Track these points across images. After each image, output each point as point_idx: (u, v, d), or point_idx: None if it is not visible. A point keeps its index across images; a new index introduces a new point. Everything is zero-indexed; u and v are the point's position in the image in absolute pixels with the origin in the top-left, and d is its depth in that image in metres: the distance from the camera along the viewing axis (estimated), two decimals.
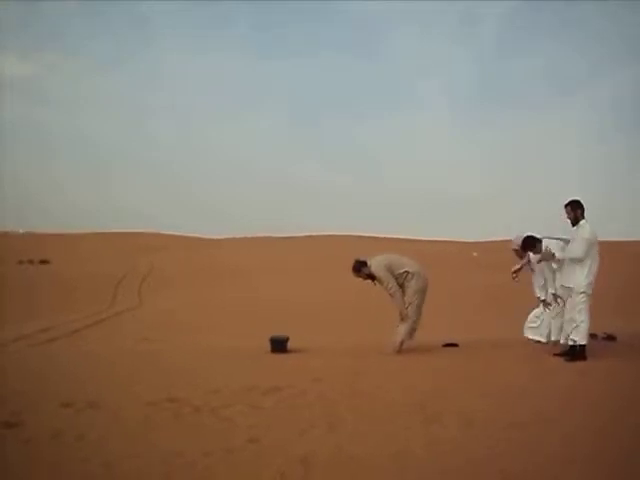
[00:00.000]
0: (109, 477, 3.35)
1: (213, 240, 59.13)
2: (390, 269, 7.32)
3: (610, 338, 7.81)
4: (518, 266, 7.56)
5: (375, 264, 7.39)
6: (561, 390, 5.33)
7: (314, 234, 60.73)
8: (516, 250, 7.52)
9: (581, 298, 6.45)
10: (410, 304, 7.30)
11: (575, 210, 6.69)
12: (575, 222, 6.69)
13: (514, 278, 7.59)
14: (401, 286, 7.34)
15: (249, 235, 59.33)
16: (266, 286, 26.63)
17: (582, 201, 6.76)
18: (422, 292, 7.40)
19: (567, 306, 6.62)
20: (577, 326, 6.41)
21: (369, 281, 7.52)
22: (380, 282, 7.37)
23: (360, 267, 7.46)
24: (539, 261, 7.05)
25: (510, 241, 7.69)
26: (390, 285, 7.26)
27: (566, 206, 6.74)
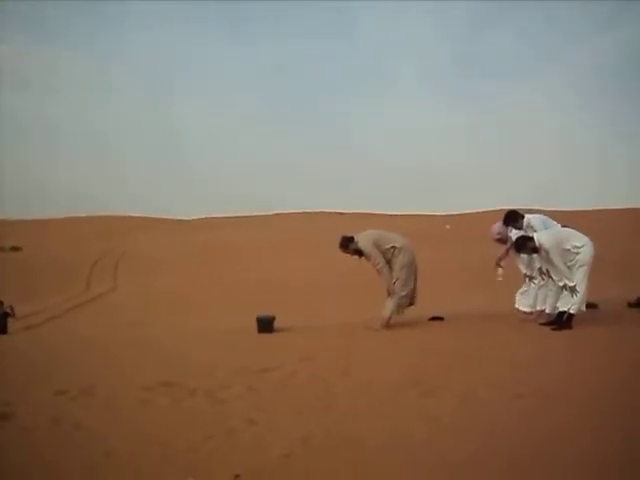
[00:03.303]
0: (111, 464, 3.31)
1: (189, 221, 58.59)
2: (377, 245, 7.33)
3: (592, 306, 7.94)
4: (503, 252, 7.59)
5: (362, 240, 7.38)
6: (555, 360, 5.41)
7: (288, 212, 60.51)
8: (498, 239, 7.54)
9: (585, 269, 6.53)
10: (397, 279, 7.33)
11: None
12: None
13: (498, 267, 7.62)
14: (388, 262, 7.35)
15: (226, 215, 58.88)
16: (247, 266, 26.55)
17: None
18: (409, 266, 7.42)
19: (554, 276, 6.68)
20: (574, 296, 6.49)
21: (356, 257, 7.53)
22: (367, 258, 7.38)
23: (347, 243, 7.45)
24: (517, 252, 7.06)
25: (490, 232, 7.64)
26: (377, 261, 7.27)
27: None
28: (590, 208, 46.24)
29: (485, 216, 48.34)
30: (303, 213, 59.01)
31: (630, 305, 8.24)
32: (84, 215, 59.01)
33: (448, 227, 52.36)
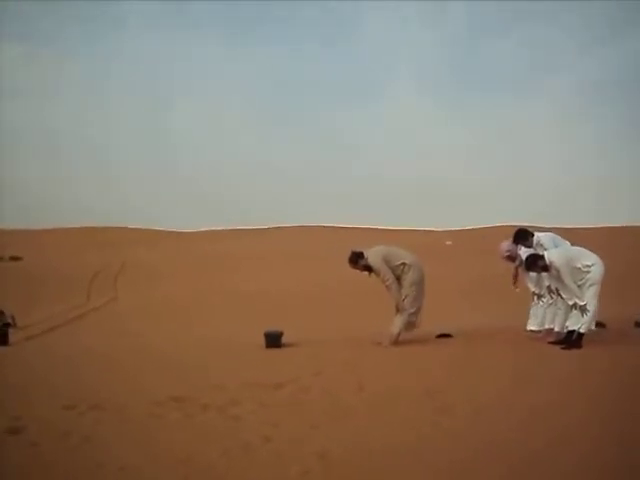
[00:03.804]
0: (128, 479, 3.29)
1: (189, 233, 58.57)
2: (387, 260, 7.32)
3: (600, 325, 7.92)
4: (514, 272, 7.59)
5: (372, 256, 7.38)
6: (564, 377, 5.40)
7: (287, 225, 60.50)
8: (507, 257, 7.54)
9: (595, 288, 6.53)
10: (407, 296, 7.32)
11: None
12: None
13: (515, 288, 7.65)
14: (398, 278, 7.34)
15: (226, 228, 58.79)
16: (248, 278, 26.51)
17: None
18: (419, 284, 7.42)
19: (564, 295, 6.67)
20: (584, 315, 6.48)
21: (365, 273, 7.52)
22: (377, 274, 7.37)
23: (357, 258, 7.45)
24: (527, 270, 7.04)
25: (499, 250, 7.62)
26: (387, 277, 7.27)
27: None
28: (592, 225, 46.25)
29: (486, 232, 48.53)
30: (303, 227, 59.02)
31: (637, 325, 8.22)
32: (84, 226, 58.89)
33: (449, 243, 52.43)
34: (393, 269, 7.33)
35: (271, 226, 59.83)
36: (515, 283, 7.70)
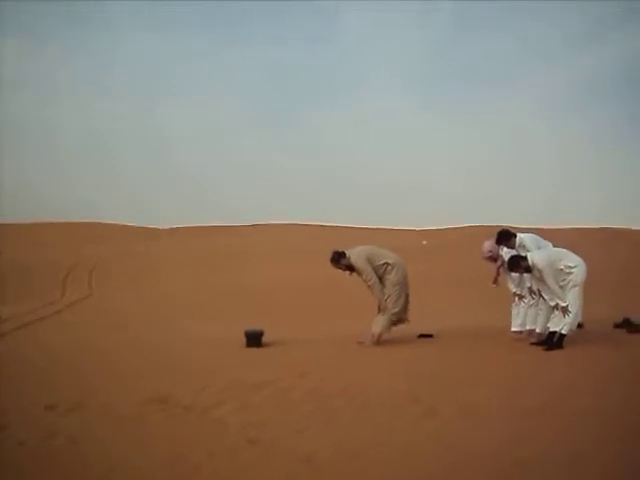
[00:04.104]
0: None
1: (162, 230, 58.00)
2: (370, 260, 7.30)
3: (578, 326, 7.99)
4: (495, 273, 7.63)
5: (355, 255, 7.35)
6: (550, 379, 5.42)
7: (266, 223, 60.14)
8: (489, 257, 7.56)
9: (577, 290, 6.57)
10: (389, 296, 7.31)
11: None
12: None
13: (494, 285, 7.69)
14: (380, 278, 7.33)
15: (207, 224, 58.19)
16: (230, 276, 26.30)
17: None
18: (401, 284, 7.41)
19: (546, 296, 6.70)
20: (566, 316, 6.52)
21: (347, 272, 7.49)
22: (359, 273, 7.34)
23: (339, 258, 7.42)
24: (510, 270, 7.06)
25: (481, 250, 7.64)
26: (369, 277, 7.24)
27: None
28: (570, 227, 46.70)
29: (461, 232, 48.73)
30: (283, 225, 58.71)
31: (616, 326, 8.30)
32: (69, 221, 57.96)
33: (425, 242, 52.56)
34: (376, 269, 7.31)
35: (254, 223, 59.44)
36: (495, 282, 7.73)
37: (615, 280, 17.31)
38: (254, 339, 7.48)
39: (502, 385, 5.18)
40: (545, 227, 39.48)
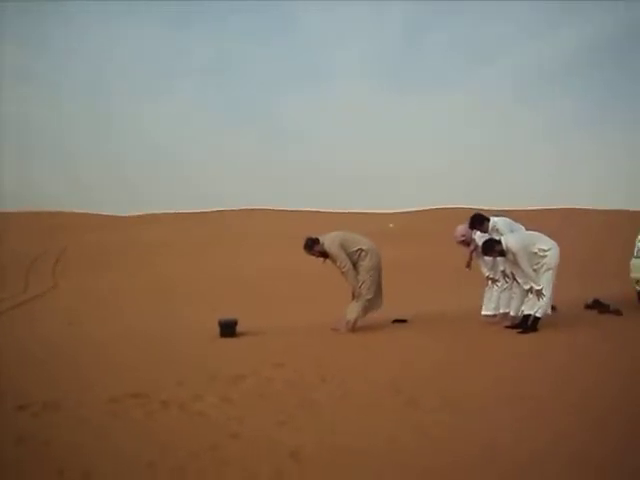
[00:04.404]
0: None
1: (127, 217, 56.90)
2: (344, 247, 7.24)
3: (552, 308, 8.09)
4: (468, 256, 7.65)
5: (328, 241, 7.28)
6: (527, 363, 5.46)
7: (229, 209, 59.43)
8: (462, 242, 7.57)
9: (551, 273, 6.61)
10: (364, 282, 7.26)
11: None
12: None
13: (467, 268, 7.71)
14: (354, 264, 7.27)
15: (169, 211, 57.21)
16: (195, 263, 26.02)
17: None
18: (376, 269, 7.37)
19: (520, 279, 6.74)
20: (540, 299, 6.56)
21: (321, 259, 7.42)
22: (333, 260, 7.28)
23: (312, 244, 7.34)
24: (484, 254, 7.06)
25: (454, 234, 7.65)
26: (344, 263, 7.19)
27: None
28: (534, 207, 47.37)
29: (426, 214, 49.15)
30: (245, 210, 58.14)
31: (587, 307, 8.43)
32: (28, 211, 56.48)
33: (391, 225, 52.79)
34: (350, 255, 7.26)
35: (212, 209, 58.64)
36: (468, 266, 7.76)
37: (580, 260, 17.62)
38: (228, 329, 7.35)
39: (482, 372, 5.19)
40: (515, 209, 40.13)
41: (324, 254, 7.35)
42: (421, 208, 54.34)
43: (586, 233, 29.68)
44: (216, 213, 56.06)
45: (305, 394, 4.60)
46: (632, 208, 43.74)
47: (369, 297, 7.31)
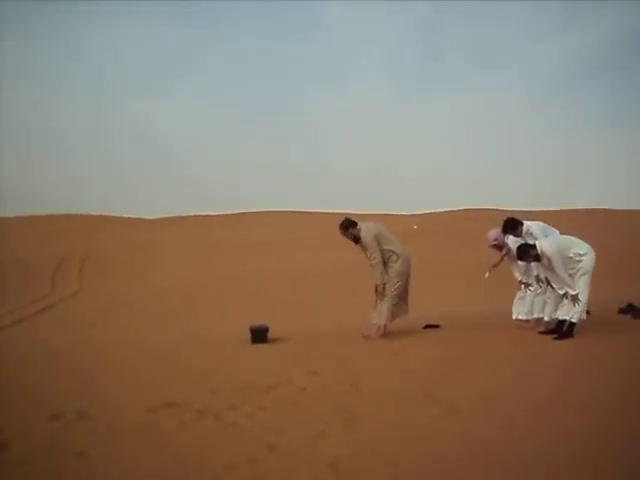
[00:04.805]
0: None
1: (149, 220, 57.35)
2: (378, 240, 7.13)
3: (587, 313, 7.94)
4: (498, 260, 7.54)
5: (365, 229, 7.19)
6: (566, 370, 5.33)
7: (252, 211, 59.50)
8: (494, 246, 7.44)
9: (587, 278, 6.49)
10: (389, 282, 7.11)
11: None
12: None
13: (490, 272, 7.57)
14: (384, 262, 7.15)
15: (190, 214, 57.44)
16: (217, 267, 26.05)
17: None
18: (405, 275, 7.25)
19: (555, 284, 6.60)
20: (576, 305, 6.43)
21: (352, 244, 7.34)
22: (364, 248, 7.18)
23: (349, 226, 7.26)
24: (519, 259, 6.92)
25: (486, 238, 7.51)
26: (375, 255, 7.06)
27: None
28: (555, 208, 46.88)
29: (451, 216, 48.79)
30: (268, 212, 58.21)
31: (620, 311, 8.25)
32: (44, 214, 57.12)
33: (415, 227, 52.43)
34: (381, 252, 7.14)
35: (236, 212, 58.76)
36: (490, 270, 7.63)
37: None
38: (259, 335, 7.32)
39: (516, 378, 5.10)
40: (535, 209, 39.74)
41: (357, 239, 7.26)
42: (445, 209, 54.01)
43: (614, 234, 29.21)
44: (239, 215, 56.14)
45: (340, 403, 4.53)
46: None
47: (395, 302, 7.18)
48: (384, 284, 7.17)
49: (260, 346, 7.12)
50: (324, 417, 4.21)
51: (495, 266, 7.65)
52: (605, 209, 47.35)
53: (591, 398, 4.40)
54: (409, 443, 3.66)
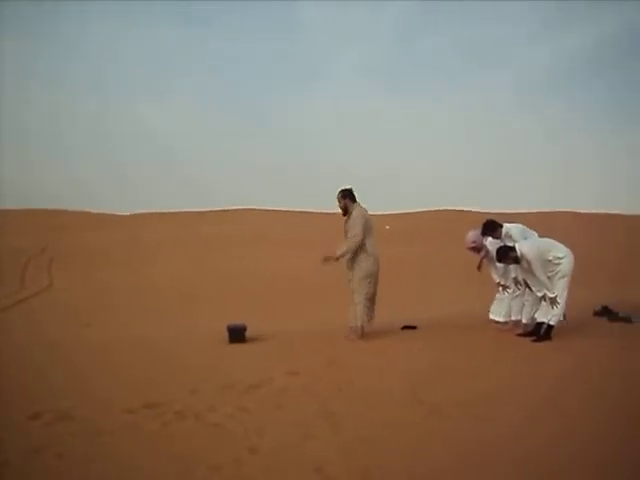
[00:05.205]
0: None
1: (123, 216, 56.58)
2: (364, 226, 7.08)
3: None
4: (479, 261, 7.60)
5: (358, 209, 7.19)
6: (554, 373, 5.38)
7: (235, 208, 58.98)
8: (472, 248, 7.48)
9: (565, 280, 6.55)
10: (361, 286, 7.08)
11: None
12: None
13: (479, 270, 7.67)
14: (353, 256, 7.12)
15: (172, 210, 56.63)
16: (194, 265, 25.82)
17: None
18: (375, 276, 7.15)
19: (534, 287, 6.66)
20: (555, 307, 6.49)
21: (341, 212, 7.31)
22: (350, 221, 7.16)
23: (347, 196, 7.24)
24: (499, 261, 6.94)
25: (465, 240, 7.54)
26: (357, 231, 7.01)
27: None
28: (535, 210, 47.33)
29: (423, 216, 49.00)
30: (248, 210, 57.86)
31: (596, 314, 8.36)
32: (16, 208, 55.98)
33: (387, 227, 52.48)
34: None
35: (220, 208, 58.16)
36: (479, 268, 7.72)
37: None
38: (237, 334, 7.24)
39: (499, 381, 5.11)
40: (512, 211, 40.17)
41: (346, 211, 7.23)
42: (417, 210, 54.23)
43: (591, 237, 29.65)
44: (223, 212, 55.57)
45: (323, 403, 4.51)
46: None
47: (369, 305, 7.15)
48: (352, 280, 7.15)
49: (239, 346, 7.05)
50: (308, 418, 4.19)
51: (480, 267, 7.72)
52: (605, 213, 47.84)
53: (583, 402, 4.44)
54: (396, 444, 3.65)
